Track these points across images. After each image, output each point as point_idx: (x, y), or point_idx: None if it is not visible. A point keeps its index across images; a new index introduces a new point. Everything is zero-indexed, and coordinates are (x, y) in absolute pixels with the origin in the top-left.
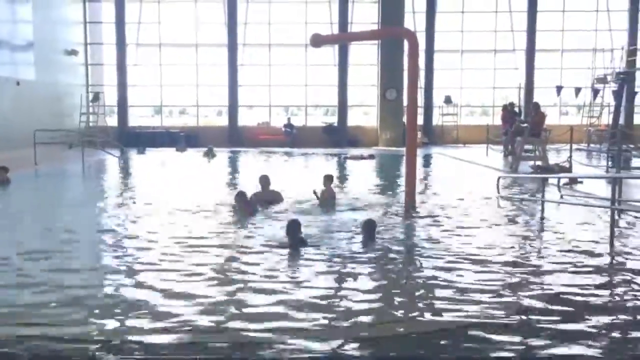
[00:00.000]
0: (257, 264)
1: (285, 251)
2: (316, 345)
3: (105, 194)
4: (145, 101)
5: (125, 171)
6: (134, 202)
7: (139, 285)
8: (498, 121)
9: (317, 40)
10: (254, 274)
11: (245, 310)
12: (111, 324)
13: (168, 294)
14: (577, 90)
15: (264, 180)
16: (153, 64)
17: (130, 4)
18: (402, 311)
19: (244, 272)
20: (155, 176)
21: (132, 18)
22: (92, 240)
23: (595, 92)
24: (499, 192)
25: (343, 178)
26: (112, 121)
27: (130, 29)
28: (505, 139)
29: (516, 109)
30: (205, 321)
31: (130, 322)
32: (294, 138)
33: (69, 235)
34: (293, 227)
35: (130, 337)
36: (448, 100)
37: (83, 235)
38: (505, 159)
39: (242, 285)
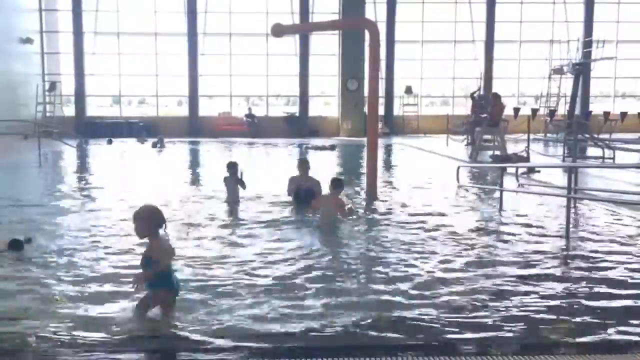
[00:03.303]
0: None
1: None
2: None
3: (60, 185)
4: (103, 91)
5: (82, 162)
6: (88, 194)
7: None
8: (458, 111)
9: (278, 30)
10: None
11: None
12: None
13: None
14: (516, 111)
15: (303, 165)
16: (111, 52)
17: None
18: (355, 299)
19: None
20: (113, 167)
21: (89, 6)
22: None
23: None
24: (458, 182)
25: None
26: (70, 111)
27: (88, 17)
28: (465, 129)
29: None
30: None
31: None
32: (256, 128)
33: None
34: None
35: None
36: (409, 91)
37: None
38: (465, 148)
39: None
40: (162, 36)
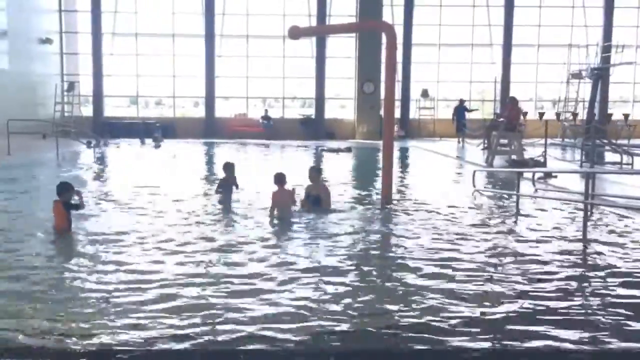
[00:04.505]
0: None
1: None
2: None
3: (77, 183)
4: (121, 91)
5: (100, 161)
6: (105, 192)
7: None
8: (474, 115)
9: (295, 33)
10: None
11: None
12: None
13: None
14: (541, 115)
15: (316, 173)
16: (129, 53)
17: None
18: (374, 305)
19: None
20: (130, 167)
21: (108, 7)
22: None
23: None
24: (474, 186)
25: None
26: (87, 111)
27: (107, 18)
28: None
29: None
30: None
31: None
32: (271, 130)
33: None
34: None
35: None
36: (425, 94)
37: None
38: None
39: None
40: (179, 37)
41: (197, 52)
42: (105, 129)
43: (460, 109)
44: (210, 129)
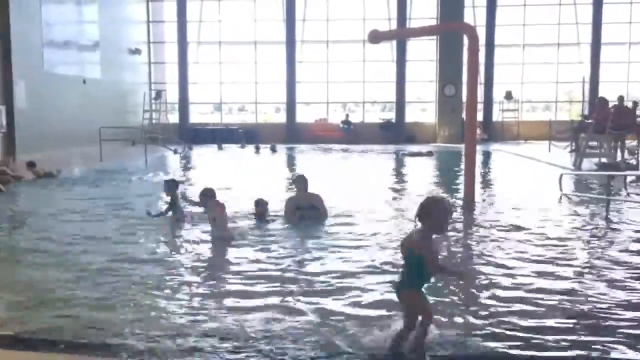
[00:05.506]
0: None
1: None
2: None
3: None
4: (205, 98)
5: (185, 166)
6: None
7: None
8: (561, 116)
9: (375, 36)
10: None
11: None
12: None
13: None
14: None
15: (302, 182)
16: (213, 61)
17: (192, 2)
18: (457, 314)
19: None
20: (218, 170)
21: (193, 17)
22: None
23: None
24: (561, 190)
25: (401, 175)
26: (174, 118)
27: (192, 28)
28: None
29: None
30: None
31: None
32: (351, 134)
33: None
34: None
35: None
36: (509, 96)
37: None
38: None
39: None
40: (261, 44)
41: (278, 58)
42: (190, 135)
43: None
44: (291, 134)
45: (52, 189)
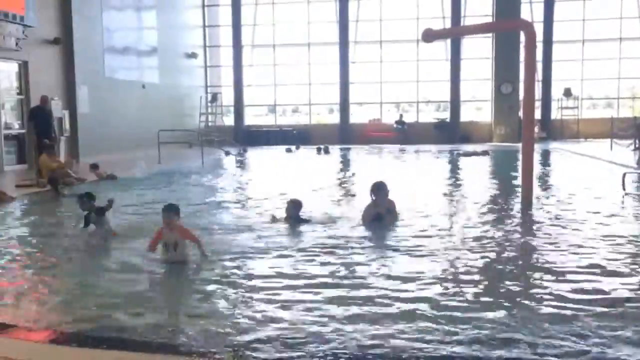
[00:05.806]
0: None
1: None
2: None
3: (221, 188)
4: (259, 100)
5: (241, 168)
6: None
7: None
8: (624, 113)
9: (429, 35)
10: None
11: None
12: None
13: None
14: None
15: (381, 190)
16: (267, 64)
17: (246, 6)
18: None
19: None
20: (272, 172)
21: (247, 20)
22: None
23: None
24: (624, 189)
25: (456, 175)
26: (229, 120)
27: (246, 31)
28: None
29: None
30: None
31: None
32: (405, 135)
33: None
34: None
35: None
36: (568, 93)
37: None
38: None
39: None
40: (314, 46)
41: (331, 59)
42: (245, 137)
43: None
44: (345, 134)
45: (115, 191)
